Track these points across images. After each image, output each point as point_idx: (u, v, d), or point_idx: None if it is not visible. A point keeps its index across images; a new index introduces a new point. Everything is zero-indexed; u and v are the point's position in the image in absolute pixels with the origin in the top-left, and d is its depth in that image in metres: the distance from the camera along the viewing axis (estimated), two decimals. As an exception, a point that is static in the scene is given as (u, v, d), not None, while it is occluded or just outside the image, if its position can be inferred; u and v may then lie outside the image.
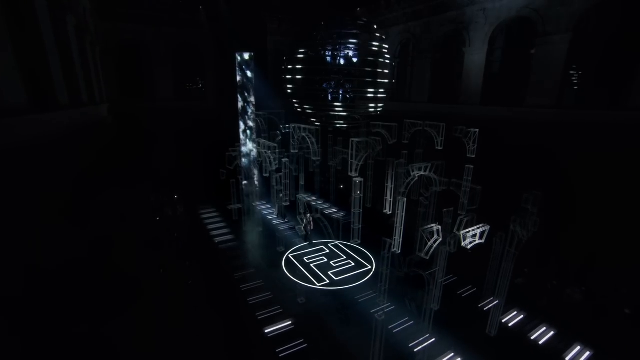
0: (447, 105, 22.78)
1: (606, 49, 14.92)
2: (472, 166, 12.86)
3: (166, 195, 21.12)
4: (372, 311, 10.72)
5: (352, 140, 11.21)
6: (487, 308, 11.36)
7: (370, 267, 14.55)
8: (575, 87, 16.34)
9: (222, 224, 18.82)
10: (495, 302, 10.50)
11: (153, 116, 23.83)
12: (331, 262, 14.67)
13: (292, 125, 12.28)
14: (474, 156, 12.89)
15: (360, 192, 11.82)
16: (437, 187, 11.82)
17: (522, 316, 11.35)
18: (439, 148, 14.18)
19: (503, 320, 10.89)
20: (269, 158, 12.33)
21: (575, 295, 11.79)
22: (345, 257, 15.20)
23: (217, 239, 17.02)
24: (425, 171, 11.44)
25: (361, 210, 14.11)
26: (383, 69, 15.79)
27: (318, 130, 11.77)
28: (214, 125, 23.74)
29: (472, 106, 20.92)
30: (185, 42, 26.21)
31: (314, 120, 16.91)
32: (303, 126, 12.03)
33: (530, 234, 10.20)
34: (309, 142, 12.28)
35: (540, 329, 10.84)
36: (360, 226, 14.86)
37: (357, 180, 13.17)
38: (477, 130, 12.63)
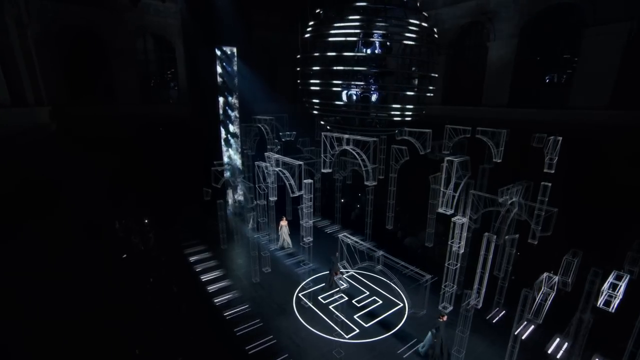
0: (464, 107, 20.26)
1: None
2: (549, 184, 9.97)
3: (135, 223, 16.85)
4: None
5: (452, 160, 7.53)
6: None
7: (401, 304, 12.49)
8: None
9: (207, 254, 15.65)
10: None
11: (112, 122, 19.20)
12: (354, 302, 12.44)
13: (324, 134, 8.43)
14: (553, 171, 10.01)
15: (462, 240, 7.65)
16: (522, 215, 8.78)
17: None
18: (497, 160, 11.20)
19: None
20: (289, 181, 8.41)
21: None
22: (368, 292, 13.12)
23: (204, 276, 13.93)
24: (517, 196, 8.38)
25: (458, 265, 8.48)
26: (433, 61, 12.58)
27: (375, 143, 7.84)
28: (191, 133, 19.84)
29: (496, 108, 18.46)
30: (151, 33, 21.69)
31: (331, 124, 13.45)
32: (346, 136, 8.08)
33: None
34: (359, 160, 8.35)
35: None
36: (454, 289, 9.00)
37: (459, 221, 7.95)
38: (560, 138, 9.75)
